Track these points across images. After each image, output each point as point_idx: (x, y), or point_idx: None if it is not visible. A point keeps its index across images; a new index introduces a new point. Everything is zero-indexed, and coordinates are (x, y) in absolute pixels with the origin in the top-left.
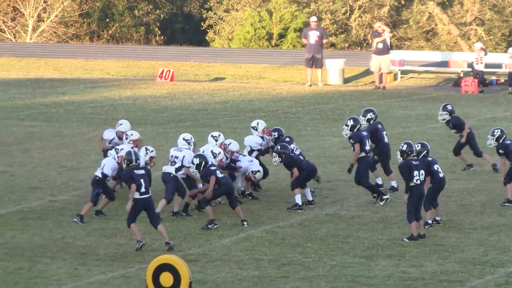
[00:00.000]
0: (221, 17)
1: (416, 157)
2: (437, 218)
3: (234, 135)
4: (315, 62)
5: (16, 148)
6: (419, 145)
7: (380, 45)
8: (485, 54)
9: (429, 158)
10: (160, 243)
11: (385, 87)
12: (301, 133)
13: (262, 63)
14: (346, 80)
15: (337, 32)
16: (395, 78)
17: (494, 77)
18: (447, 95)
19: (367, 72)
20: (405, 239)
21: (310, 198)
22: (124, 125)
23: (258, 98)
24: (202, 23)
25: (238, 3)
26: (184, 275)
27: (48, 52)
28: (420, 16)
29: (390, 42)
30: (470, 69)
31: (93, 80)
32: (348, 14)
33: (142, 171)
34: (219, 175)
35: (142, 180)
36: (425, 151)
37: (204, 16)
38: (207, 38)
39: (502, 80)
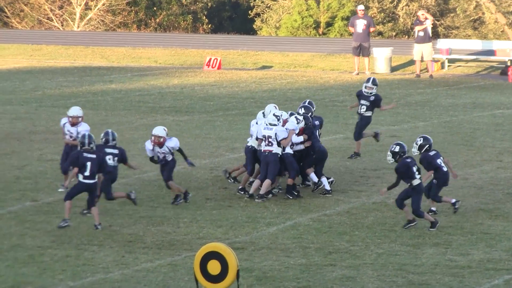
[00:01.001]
0: (268, 5)
1: (408, 156)
2: (433, 209)
3: None
4: (362, 50)
5: None
6: (422, 138)
7: (421, 34)
8: None
9: (432, 152)
10: (208, 231)
11: (432, 75)
12: (348, 121)
13: (310, 52)
14: (393, 69)
15: (385, 21)
16: (442, 67)
17: None
18: (494, 83)
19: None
20: (430, 229)
21: (328, 188)
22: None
23: (306, 87)
24: (249, 12)
25: None
26: (231, 263)
27: (96, 40)
28: (467, 5)
29: (437, 30)
30: None
31: (140, 69)
32: (395, 2)
33: (93, 156)
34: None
35: (89, 164)
36: (428, 145)
37: (252, 4)
38: (254, 26)
39: None
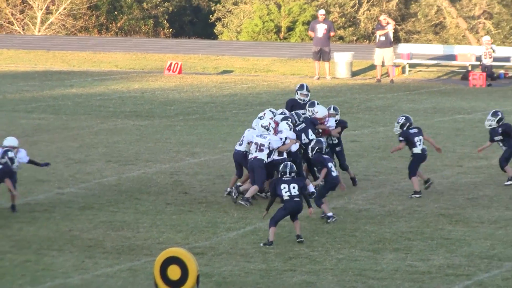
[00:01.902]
0: (229, 10)
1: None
2: (329, 214)
3: (242, 128)
4: (322, 55)
5: (24, 140)
6: (315, 141)
7: (383, 38)
8: (493, 51)
9: (325, 156)
10: (168, 236)
11: (393, 80)
12: None
13: (270, 56)
14: (354, 73)
15: (346, 25)
16: (403, 72)
17: (502, 71)
18: (455, 88)
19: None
20: (262, 244)
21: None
22: None
23: (266, 91)
24: (210, 16)
25: None
26: (191, 268)
27: (57, 44)
28: (429, 10)
29: (398, 35)
30: (478, 63)
31: (101, 73)
32: (356, 7)
33: None
34: None
35: None
36: (317, 147)
37: (213, 9)
38: (215, 31)
39: (510, 74)
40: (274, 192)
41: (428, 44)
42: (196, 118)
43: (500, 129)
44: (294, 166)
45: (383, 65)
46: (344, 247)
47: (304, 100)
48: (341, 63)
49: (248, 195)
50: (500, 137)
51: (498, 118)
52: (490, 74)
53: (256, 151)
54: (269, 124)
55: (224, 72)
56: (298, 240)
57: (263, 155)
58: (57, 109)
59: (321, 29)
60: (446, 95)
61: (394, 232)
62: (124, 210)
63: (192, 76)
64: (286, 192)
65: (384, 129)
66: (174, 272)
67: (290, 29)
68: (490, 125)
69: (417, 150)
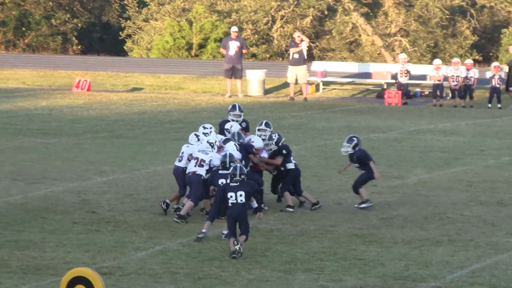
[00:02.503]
0: (140, 26)
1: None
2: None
3: (151, 146)
4: (234, 72)
5: None
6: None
7: (296, 56)
8: (409, 72)
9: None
10: (74, 255)
11: (306, 98)
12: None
13: (181, 74)
14: (266, 91)
15: (259, 43)
16: (317, 90)
17: (418, 89)
18: (369, 107)
19: (288, 84)
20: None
21: None
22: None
23: (177, 109)
24: (120, 33)
25: (157, 13)
26: None
27: None
28: (344, 27)
29: (312, 52)
30: (394, 81)
31: (8, 90)
32: (270, 24)
33: None
34: None
35: None
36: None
37: (123, 25)
38: (125, 48)
39: (427, 92)
40: (220, 199)
41: (343, 62)
42: (105, 136)
43: (354, 156)
44: (244, 169)
45: (296, 83)
46: (255, 268)
47: (237, 121)
48: (254, 80)
49: (183, 212)
50: (356, 164)
51: (353, 144)
52: (406, 93)
53: (195, 166)
54: (215, 141)
55: (134, 89)
56: (232, 255)
57: (202, 171)
58: None
59: (233, 46)
60: (360, 113)
61: (306, 252)
62: (30, 229)
63: (101, 93)
64: (232, 202)
65: (297, 148)
66: None
67: (201, 46)
68: (346, 151)
69: (291, 165)
